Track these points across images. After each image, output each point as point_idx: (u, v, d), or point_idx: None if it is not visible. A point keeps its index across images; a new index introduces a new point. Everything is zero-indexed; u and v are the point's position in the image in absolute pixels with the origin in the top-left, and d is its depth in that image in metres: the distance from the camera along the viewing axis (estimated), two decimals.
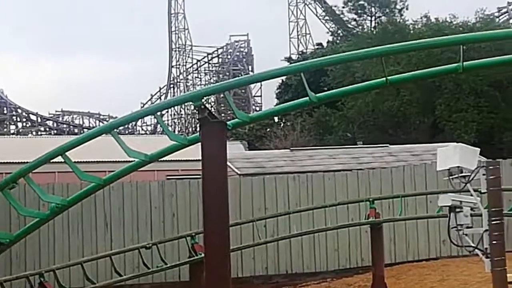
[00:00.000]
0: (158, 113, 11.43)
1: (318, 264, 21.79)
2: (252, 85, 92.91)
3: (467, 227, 11.63)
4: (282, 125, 61.27)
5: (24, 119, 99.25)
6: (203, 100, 10.19)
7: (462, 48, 9.69)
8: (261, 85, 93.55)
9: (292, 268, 21.60)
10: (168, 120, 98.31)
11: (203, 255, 12.49)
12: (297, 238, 20.67)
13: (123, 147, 10.74)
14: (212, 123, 9.89)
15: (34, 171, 11.72)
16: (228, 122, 10.53)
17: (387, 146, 30.55)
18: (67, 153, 11.22)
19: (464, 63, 10.08)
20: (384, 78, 10.41)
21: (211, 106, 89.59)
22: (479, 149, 12.02)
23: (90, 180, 11.57)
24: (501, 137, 48.28)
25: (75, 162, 11.43)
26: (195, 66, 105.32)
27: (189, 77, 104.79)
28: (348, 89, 11.81)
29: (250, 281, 21.25)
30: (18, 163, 27.76)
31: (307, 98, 10.46)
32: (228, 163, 25.92)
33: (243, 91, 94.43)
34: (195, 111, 10.11)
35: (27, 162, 11.84)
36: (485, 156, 24.29)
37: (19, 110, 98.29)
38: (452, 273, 19.45)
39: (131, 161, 11.69)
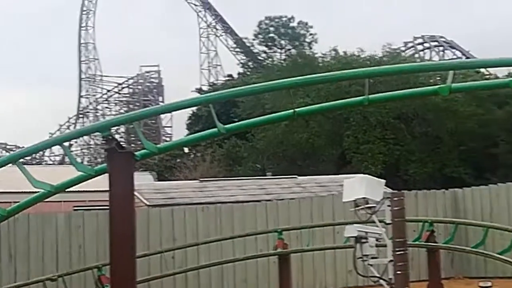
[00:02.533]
0: (66, 144, 11.30)
1: None
2: (162, 116, 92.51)
3: (372, 258, 11.83)
4: (192, 156, 61.17)
5: None
6: (111, 131, 10.14)
7: (368, 81, 9.92)
8: (171, 115, 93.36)
9: None
10: (77, 151, 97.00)
11: (109, 287, 12.36)
12: (206, 269, 20.62)
13: (28, 178, 10.59)
14: (119, 154, 9.86)
15: None
16: (136, 153, 10.51)
17: (295, 177, 30.81)
18: None
19: (370, 96, 10.30)
20: (292, 110, 10.56)
21: (121, 136, 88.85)
22: (384, 180, 12.26)
23: None
24: (407, 168, 49.24)
25: None
26: (105, 96, 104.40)
27: (99, 107, 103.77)
28: (257, 120, 11.93)
29: None
30: None
31: (216, 129, 10.52)
32: (137, 194, 25.81)
33: (153, 121, 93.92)
34: (103, 141, 10.05)
35: None
36: (391, 187, 24.83)
37: None
38: None
39: (37, 192, 11.52)
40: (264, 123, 13.24)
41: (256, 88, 11.88)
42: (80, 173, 11.03)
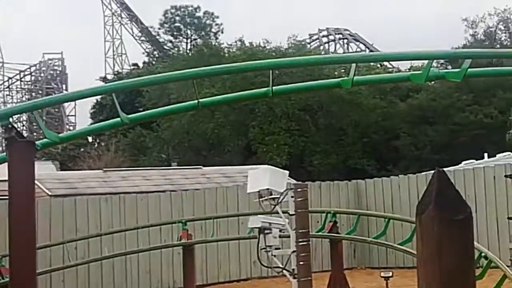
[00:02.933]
0: None
1: (129, 286, 21.57)
2: (66, 104, 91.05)
3: (276, 248, 11.89)
4: (96, 145, 60.45)
5: None
6: (10, 119, 9.91)
7: (272, 72, 9.95)
8: (75, 104, 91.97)
9: None
10: None
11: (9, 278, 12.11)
12: (109, 260, 20.39)
13: None
14: (19, 143, 9.65)
15: None
16: (37, 142, 10.30)
17: (200, 168, 30.76)
18: None
19: (274, 87, 10.35)
20: (197, 101, 10.52)
21: (23, 125, 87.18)
22: (288, 172, 12.35)
23: None
24: (311, 159, 49.79)
25: None
26: (6, 84, 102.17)
27: (0, 94, 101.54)
28: (161, 110, 11.87)
29: None
30: None
31: (119, 119, 10.40)
32: (38, 184, 25.32)
33: (56, 110, 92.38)
34: (3, 130, 9.84)
35: None
36: (295, 178, 25.06)
37: None
38: None
39: None
40: (169, 113, 13.22)
41: (161, 78, 11.81)
42: None
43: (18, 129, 10.27)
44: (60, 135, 11.30)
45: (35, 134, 77.04)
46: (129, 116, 10.63)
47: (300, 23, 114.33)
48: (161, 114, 12.64)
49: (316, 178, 32.03)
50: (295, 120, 50.31)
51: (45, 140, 10.59)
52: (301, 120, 50.38)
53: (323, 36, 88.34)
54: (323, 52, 73.71)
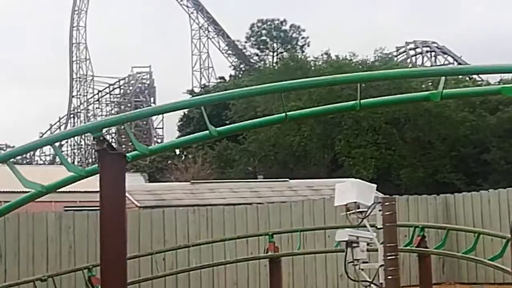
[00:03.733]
0: (57, 144, 11.23)
1: None
2: (154, 117, 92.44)
3: (363, 262, 11.80)
4: (183, 157, 61.13)
5: None
6: (102, 132, 10.09)
7: (360, 86, 9.89)
8: (162, 117, 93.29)
9: None
10: (67, 151, 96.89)
11: None
12: (196, 271, 20.56)
13: (18, 177, 10.53)
14: (111, 155, 9.81)
15: None
16: (127, 154, 10.45)
17: (287, 181, 30.79)
18: None
19: (362, 101, 10.28)
20: (284, 114, 10.53)
21: (112, 137, 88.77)
22: (375, 185, 12.25)
23: None
24: (399, 173, 49.33)
25: None
26: (96, 97, 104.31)
27: (90, 107, 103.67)
28: (248, 123, 11.91)
29: None
30: None
31: (208, 131, 10.49)
32: (128, 195, 25.75)
33: (144, 123, 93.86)
34: (95, 142, 10.02)
35: None
36: (382, 192, 24.84)
37: None
38: None
39: (28, 192, 11.47)
40: (256, 127, 13.26)
41: (248, 91, 11.84)
42: (71, 173, 10.97)
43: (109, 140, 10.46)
44: (150, 147, 11.45)
45: (123, 146, 78.31)
46: (218, 129, 10.71)
47: (387, 36, 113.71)
48: (249, 127, 12.71)
49: (404, 192, 31.70)
50: (381, 133, 49.94)
51: (135, 152, 10.75)
52: (387, 134, 49.97)
53: (410, 49, 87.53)
54: (410, 65, 72.95)
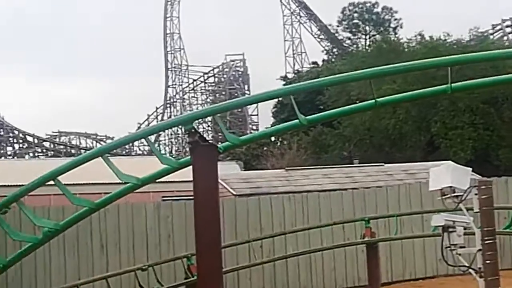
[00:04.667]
0: (151, 137, 11.46)
1: (315, 284, 21.73)
2: None
3: (461, 247, 11.63)
4: (278, 144, 61.30)
5: (21, 141, 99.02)
6: (194, 123, 10.22)
7: (450, 70, 9.73)
8: (257, 104, 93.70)
9: None
10: (165, 140, 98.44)
11: None
12: (294, 258, 20.63)
13: (114, 171, 10.77)
14: (202, 147, 9.93)
15: (29, 194, 11.76)
16: (219, 145, 10.57)
17: (382, 165, 30.57)
18: (59, 177, 11.24)
19: (453, 84, 10.11)
20: (374, 100, 10.45)
21: (208, 125, 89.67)
22: (470, 168, 12.03)
23: (82, 204, 11.59)
24: (497, 154, 48.33)
25: (70, 184, 11.48)
26: (191, 86, 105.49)
27: (185, 96, 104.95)
28: (337, 111, 11.87)
29: None
30: (13, 186, 27.75)
31: (298, 120, 10.51)
32: (224, 184, 26.04)
33: (239, 110, 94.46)
34: (187, 134, 10.19)
35: (21, 185, 11.88)
36: (480, 173, 24.39)
37: (16, 132, 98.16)
38: None
39: (125, 183, 11.72)
40: (345, 114, 13.20)
41: (338, 78, 11.76)
42: (165, 166, 11.16)
43: (202, 132, 10.62)
44: (241, 137, 11.54)
45: (219, 134, 79.01)
46: (308, 117, 10.70)
47: (483, 14, 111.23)
48: (338, 115, 12.64)
49: (503, 173, 31.05)
50: (479, 113, 48.97)
51: (226, 143, 10.85)
52: (485, 114, 48.97)
53: (507, 26, 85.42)
54: (506, 43, 71.19)
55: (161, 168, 11.33)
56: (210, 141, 10.24)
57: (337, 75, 11.47)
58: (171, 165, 11.11)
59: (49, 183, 11.41)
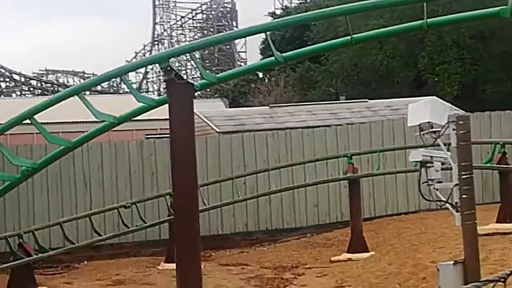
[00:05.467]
0: (130, 74, 11.42)
1: (298, 220, 21.93)
2: (236, 41, 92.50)
3: (438, 182, 11.69)
4: (266, 80, 61.06)
5: (8, 79, 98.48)
6: (170, 61, 10.17)
7: (425, 5, 9.67)
8: (245, 40, 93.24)
9: (272, 224, 21.75)
10: (153, 78, 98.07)
11: None
12: (277, 195, 20.79)
13: (91, 110, 10.76)
14: (178, 85, 9.90)
15: (12, 133, 11.76)
16: (195, 83, 10.54)
17: (366, 101, 30.56)
18: (36, 116, 11.21)
19: (429, 20, 10.06)
20: (350, 37, 10.41)
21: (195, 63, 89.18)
22: (450, 104, 12.06)
23: (58, 143, 11.62)
24: (484, 88, 48.26)
25: (48, 123, 11.48)
26: (179, 23, 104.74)
27: (173, 33, 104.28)
28: (314, 48, 11.84)
29: (231, 238, 21.40)
30: None
31: (273, 58, 10.47)
32: (207, 121, 26.05)
33: (227, 47, 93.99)
34: (162, 72, 10.14)
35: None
36: (469, 109, 24.38)
37: (2, 70, 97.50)
38: (431, 226, 19.61)
39: (102, 122, 11.71)
40: (323, 50, 13.16)
41: (315, 14, 11.67)
42: (142, 104, 11.14)
43: (190, 70, 10.56)
44: (218, 75, 11.50)
45: (208, 71, 78.60)
46: (284, 54, 10.66)
47: None
48: (315, 51, 12.50)
49: (490, 108, 31.10)
50: (466, 48, 48.74)
51: (203, 81, 10.82)
52: (472, 48, 48.73)
53: None
54: None
55: (138, 107, 11.31)
56: (185, 80, 10.18)
57: (311, 12, 11.42)
58: (147, 103, 11.11)
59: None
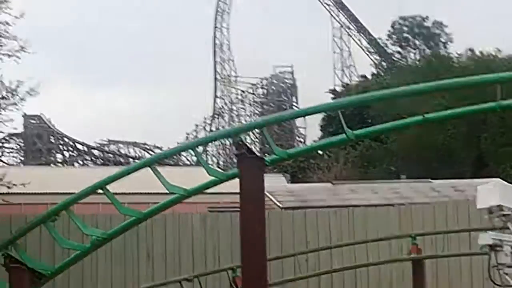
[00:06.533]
0: (199, 148, 11.56)
1: None
2: None
3: (508, 266, 11.51)
4: (326, 157, 61.12)
5: (71, 148, 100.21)
6: (241, 136, 10.29)
7: (500, 87, 9.66)
8: (305, 117, 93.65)
9: None
10: (213, 151, 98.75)
11: None
12: (339, 273, 20.53)
13: (162, 182, 10.88)
14: (250, 159, 9.99)
15: (79, 202, 11.92)
16: (266, 159, 10.61)
17: (429, 181, 30.31)
18: (108, 186, 11.38)
19: (504, 102, 10.03)
20: (421, 116, 10.42)
21: (256, 137, 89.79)
22: None
23: (129, 214, 11.73)
24: None
25: (118, 193, 11.62)
26: (239, 97, 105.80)
27: (234, 107, 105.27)
28: (385, 127, 11.82)
29: None
30: (63, 193, 28.02)
31: (345, 135, 10.51)
32: (270, 196, 26.06)
33: (287, 122, 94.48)
34: (234, 147, 10.30)
35: (71, 193, 12.05)
36: None
37: (66, 139, 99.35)
38: None
39: (172, 194, 11.81)
40: (394, 129, 13.09)
41: (385, 94, 11.77)
42: (212, 177, 11.23)
43: (250, 143, 10.64)
44: (288, 151, 11.58)
45: (266, 146, 79.02)
46: (355, 132, 10.72)
47: None
48: (386, 130, 12.55)
49: None
50: None
51: (274, 156, 10.89)
52: None
53: None
54: None
55: (209, 180, 11.40)
56: (257, 154, 10.27)
57: (384, 91, 11.49)
58: (218, 177, 11.18)
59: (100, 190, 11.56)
